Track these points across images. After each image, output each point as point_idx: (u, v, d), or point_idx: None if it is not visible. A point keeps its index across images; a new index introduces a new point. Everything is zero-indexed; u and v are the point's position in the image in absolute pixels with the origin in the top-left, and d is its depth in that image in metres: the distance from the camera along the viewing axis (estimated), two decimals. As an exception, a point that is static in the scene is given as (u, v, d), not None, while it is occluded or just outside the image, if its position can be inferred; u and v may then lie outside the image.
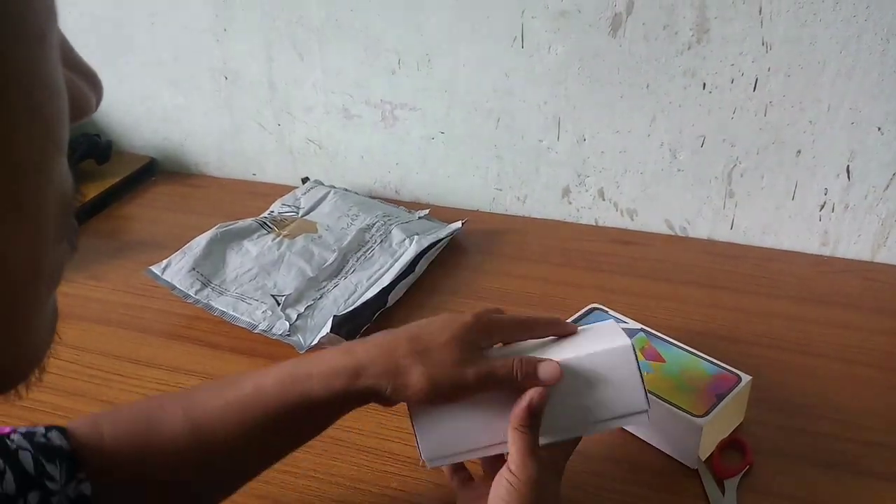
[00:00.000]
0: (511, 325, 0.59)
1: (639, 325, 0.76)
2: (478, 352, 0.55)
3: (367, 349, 0.55)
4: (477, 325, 0.56)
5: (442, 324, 0.56)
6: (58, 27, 0.25)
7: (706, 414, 0.66)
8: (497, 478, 0.53)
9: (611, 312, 0.80)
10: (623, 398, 0.56)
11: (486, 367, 0.54)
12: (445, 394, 0.54)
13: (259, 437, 0.54)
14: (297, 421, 0.55)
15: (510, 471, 0.52)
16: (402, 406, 0.75)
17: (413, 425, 0.56)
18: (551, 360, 0.55)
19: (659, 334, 0.75)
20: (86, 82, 0.27)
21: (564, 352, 0.57)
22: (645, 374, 0.69)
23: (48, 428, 0.51)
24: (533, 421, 0.53)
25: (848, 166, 0.92)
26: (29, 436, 0.49)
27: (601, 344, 0.57)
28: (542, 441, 0.55)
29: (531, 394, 0.54)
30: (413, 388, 0.53)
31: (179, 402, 0.55)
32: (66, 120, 0.25)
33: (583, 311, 0.80)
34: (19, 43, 0.22)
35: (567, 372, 0.55)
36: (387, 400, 0.55)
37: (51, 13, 0.24)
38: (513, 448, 0.53)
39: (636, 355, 0.56)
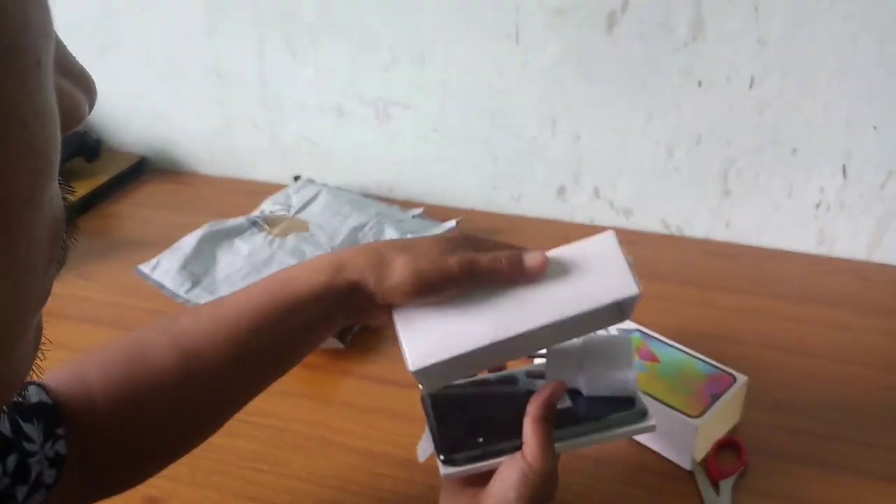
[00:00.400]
0: (496, 245, 0.57)
1: (634, 325, 0.76)
2: (461, 250, 0.55)
3: (352, 249, 0.55)
4: (463, 236, 0.57)
5: (428, 234, 0.58)
6: (54, 36, 0.23)
7: (701, 414, 0.66)
8: (509, 462, 0.53)
9: None
10: (610, 284, 0.54)
11: (469, 256, 0.53)
12: (430, 283, 0.52)
13: (251, 352, 0.53)
14: (287, 328, 0.53)
15: (526, 460, 0.52)
16: (395, 406, 0.74)
17: (398, 332, 0.54)
18: (536, 251, 0.54)
19: (654, 334, 0.75)
20: (78, 87, 0.26)
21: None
22: (639, 374, 0.69)
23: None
24: (551, 412, 0.53)
25: (844, 165, 0.92)
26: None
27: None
28: (521, 329, 0.52)
29: (552, 385, 0.54)
30: (397, 277, 0.52)
31: (164, 331, 0.54)
32: (59, 144, 0.24)
33: None
34: (14, 74, 0.21)
35: (551, 263, 0.54)
36: (371, 296, 0.53)
37: (48, 34, 0.23)
38: (532, 439, 0.52)
39: (620, 243, 0.55)
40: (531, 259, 0.53)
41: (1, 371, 0.25)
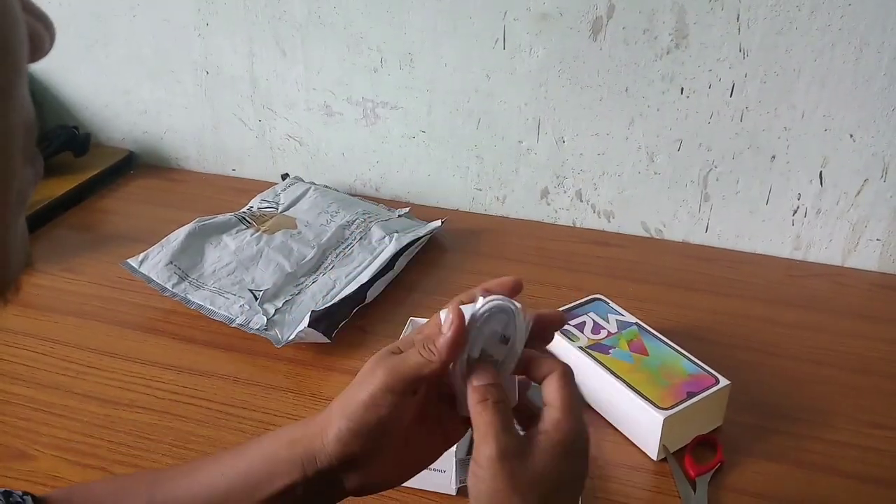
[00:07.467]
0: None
1: (634, 319, 0.79)
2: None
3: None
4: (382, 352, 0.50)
5: None
6: None
7: (670, 408, 0.67)
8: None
9: (612, 304, 0.82)
10: None
11: (390, 366, 0.47)
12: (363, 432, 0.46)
13: None
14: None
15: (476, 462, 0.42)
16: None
17: None
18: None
19: (652, 330, 0.77)
20: (39, 23, 0.29)
21: None
22: (625, 363, 0.72)
23: (25, 493, 0.50)
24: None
25: (821, 172, 0.94)
26: (6, 494, 0.49)
27: None
28: None
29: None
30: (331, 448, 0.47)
31: (148, 479, 0.53)
32: (26, 48, 0.27)
33: (584, 300, 0.82)
34: None
35: None
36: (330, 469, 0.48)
37: None
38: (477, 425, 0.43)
39: None
40: (445, 321, 0.47)
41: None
